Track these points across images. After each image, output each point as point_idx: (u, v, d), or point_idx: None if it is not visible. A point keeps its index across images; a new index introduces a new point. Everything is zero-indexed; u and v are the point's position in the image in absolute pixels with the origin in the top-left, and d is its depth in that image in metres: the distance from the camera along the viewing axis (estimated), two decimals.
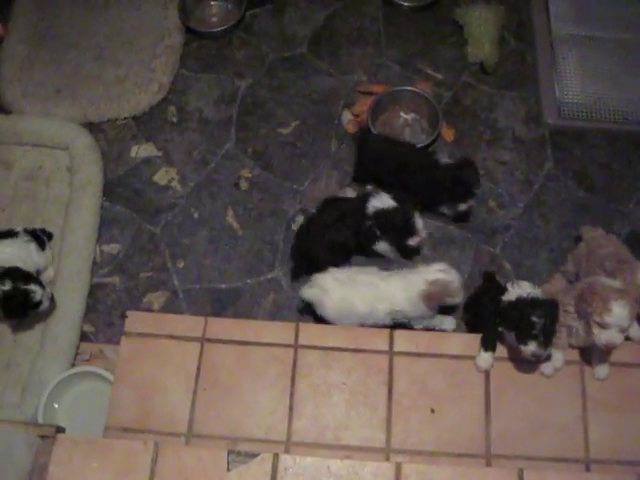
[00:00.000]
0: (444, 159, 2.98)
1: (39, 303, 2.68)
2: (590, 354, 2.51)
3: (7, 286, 2.62)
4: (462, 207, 2.97)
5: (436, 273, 2.57)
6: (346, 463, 2.21)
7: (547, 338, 2.33)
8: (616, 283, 2.36)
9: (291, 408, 2.47)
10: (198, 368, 2.53)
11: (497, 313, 2.45)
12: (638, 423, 2.46)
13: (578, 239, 2.89)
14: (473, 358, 2.53)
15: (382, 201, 2.78)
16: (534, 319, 2.31)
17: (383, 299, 2.60)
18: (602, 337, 2.28)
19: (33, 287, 2.66)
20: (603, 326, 2.26)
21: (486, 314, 2.53)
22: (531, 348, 2.33)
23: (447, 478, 2.20)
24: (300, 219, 3.16)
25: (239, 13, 3.66)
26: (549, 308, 2.35)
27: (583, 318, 2.35)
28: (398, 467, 2.20)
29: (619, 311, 2.23)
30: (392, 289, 2.60)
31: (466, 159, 2.99)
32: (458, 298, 2.62)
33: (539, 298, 2.38)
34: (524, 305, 2.36)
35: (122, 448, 2.25)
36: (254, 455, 2.21)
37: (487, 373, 2.52)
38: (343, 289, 2.61)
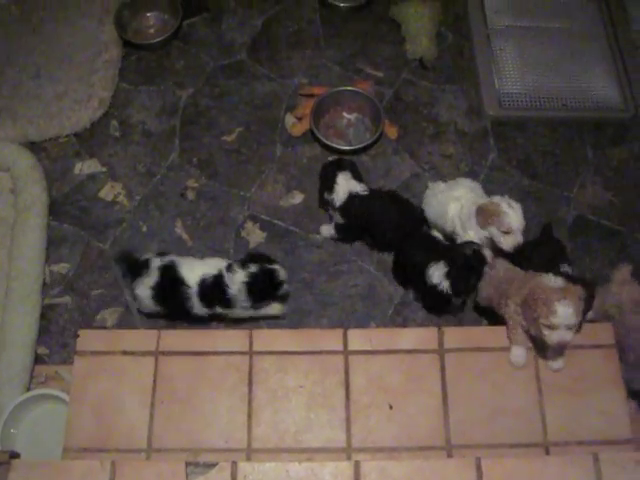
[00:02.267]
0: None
1: (282, 283, 2.73)
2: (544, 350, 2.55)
3: (253, 269, 2.66)
4: None
5: (501, 200, 2.68)
6: (305, 466, 2.20)
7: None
8: (558, 281, 2.39)
9: (250, 415, 2.45)
10: (154, 382, 2.50)
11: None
12: (592, 403, 2.49)
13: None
14: (427, 352, 2.55)
15: None
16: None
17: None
18: (553, 338, 2.30)
19: (277, 266, 2.71)
20: (551, 327, 2.29)
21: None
22: None
23: (406, 472, 2.20)
24: (249, 226, 3.17)
25: (176, 23, 3.64)
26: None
27: (532, 323, 2.37)
28: (357, 465, 2.20)
29: (563, 310, 2.24)
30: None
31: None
32: (509, 239, 2.66)
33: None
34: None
35: (78, 469, 2.21)
36: (212, 465, 2.19)
37: (443, 365, 2.54)
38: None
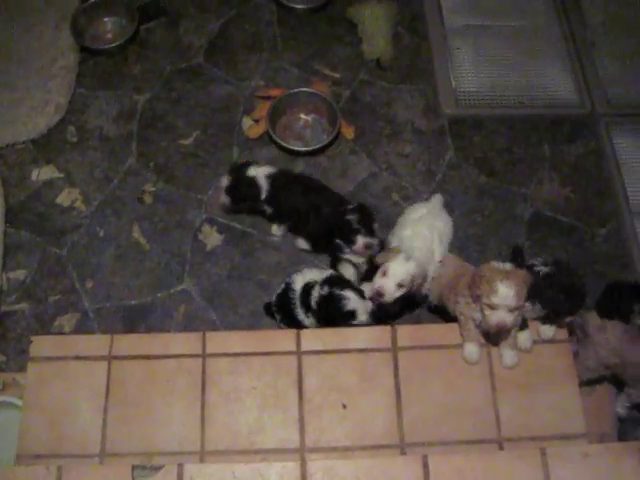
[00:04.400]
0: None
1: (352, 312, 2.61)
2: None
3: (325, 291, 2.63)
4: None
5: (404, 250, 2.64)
6: (251, 467, 2.21)
7: (368, 228, 2.74)
8: (506, 266, 2.41)
9: (203, 418, 2.45)
10: (107, 386, 2.50)
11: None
12: (546, 398, 2.51)
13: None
14: (380, 350, 2.56)
15: None
16: (348, 217, 2.72)
17: None
18: (492, 318, 2.32)
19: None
20: (492, 307, 2.31)
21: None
22: (361, 241, 2.72)
23: (354, 471, 2.21)
24: (207, 229, 3.17)
25: (133, 28, 3.64)
26: (359, 208, 2.79)
27: (476, 302, 2.39)
28: (303, 466, 2.21)
29: (505, 291, 2.27)
30: None
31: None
32: None
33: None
34: (339, 214, 2.78)
35: (25, 475, 2.21)
36: (159, 468, 2.19)
37: (396, 363, 2.54)
38: None
